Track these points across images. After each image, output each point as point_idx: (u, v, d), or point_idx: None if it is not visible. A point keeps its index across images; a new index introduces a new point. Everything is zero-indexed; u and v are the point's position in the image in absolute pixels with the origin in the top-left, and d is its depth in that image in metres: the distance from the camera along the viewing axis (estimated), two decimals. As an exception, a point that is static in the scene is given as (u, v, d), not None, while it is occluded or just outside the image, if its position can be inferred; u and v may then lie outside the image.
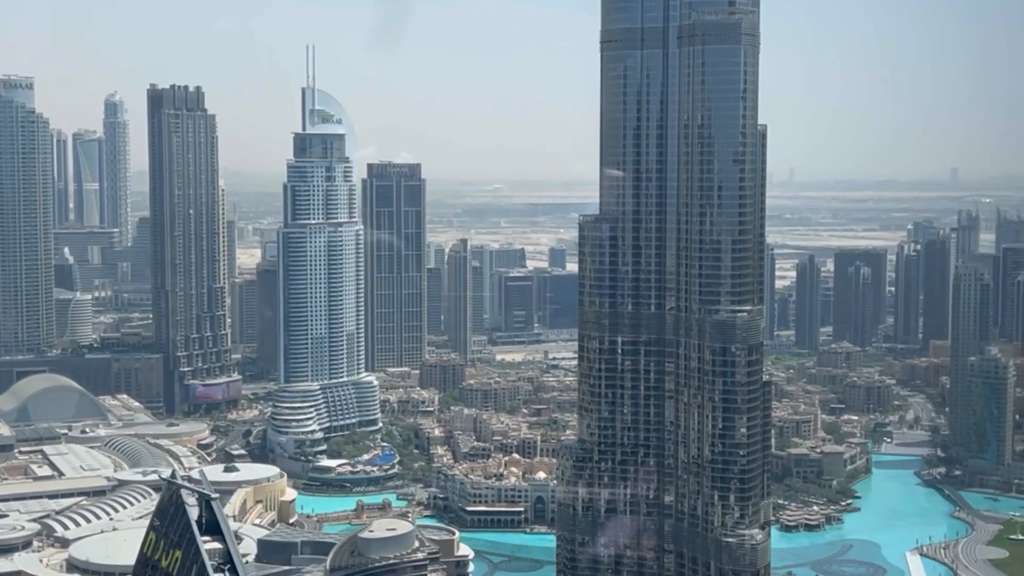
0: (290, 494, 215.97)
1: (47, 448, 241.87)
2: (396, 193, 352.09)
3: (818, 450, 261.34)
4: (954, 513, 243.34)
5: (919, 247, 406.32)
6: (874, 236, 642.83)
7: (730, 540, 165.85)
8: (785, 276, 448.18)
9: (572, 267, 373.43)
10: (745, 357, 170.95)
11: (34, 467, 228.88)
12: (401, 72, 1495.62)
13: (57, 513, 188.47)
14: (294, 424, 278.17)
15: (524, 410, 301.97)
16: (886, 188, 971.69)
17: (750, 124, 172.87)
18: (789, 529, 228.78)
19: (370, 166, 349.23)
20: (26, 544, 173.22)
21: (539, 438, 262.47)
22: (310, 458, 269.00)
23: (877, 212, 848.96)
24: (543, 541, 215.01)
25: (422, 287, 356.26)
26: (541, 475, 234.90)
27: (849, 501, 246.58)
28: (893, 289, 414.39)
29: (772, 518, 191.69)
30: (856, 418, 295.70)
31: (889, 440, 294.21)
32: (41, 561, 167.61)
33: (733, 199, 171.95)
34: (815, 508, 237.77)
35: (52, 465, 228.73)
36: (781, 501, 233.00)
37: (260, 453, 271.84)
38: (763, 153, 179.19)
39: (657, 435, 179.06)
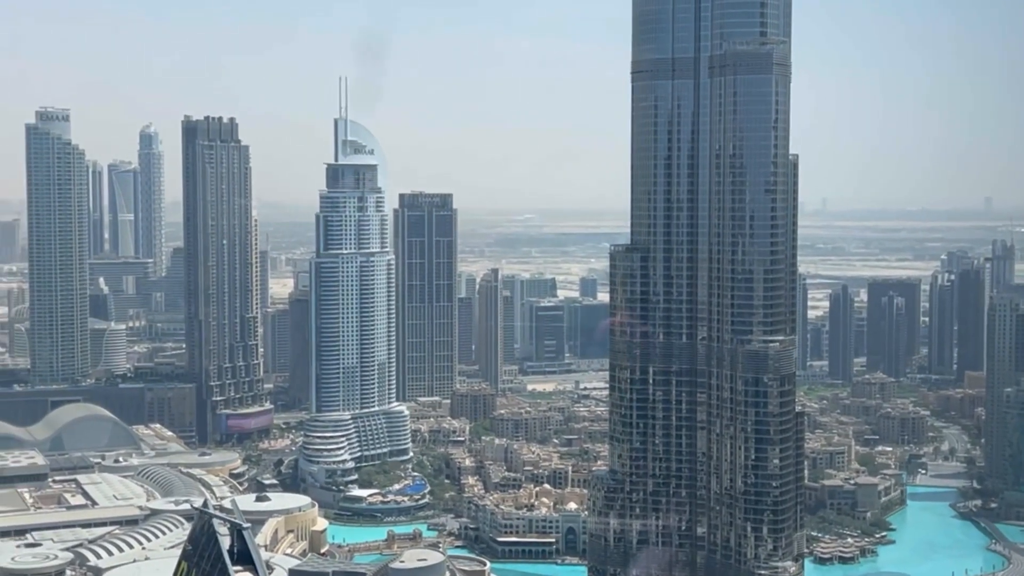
0: (321, 524, 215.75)
1: (80, 477, 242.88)
2: (428, 223, 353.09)
3: (852, 482, 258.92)
4: (990, 546, 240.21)
5: (953, 277, 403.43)
6: (908, 266, 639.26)
7: (763, 572, 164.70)
8: (818, 306, 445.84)
9: (603, 297, 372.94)
10: (777, 387, 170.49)
11: (67, 496, 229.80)
12: (433, 102, 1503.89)
13: (90, 542, 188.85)
14: (325, 453, 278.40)
15: (555, 440, 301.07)
16: (919, 218, 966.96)
17: (782, 153, 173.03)
18: (823, 561, 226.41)
19: (402, 196, 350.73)
20: (59, 573, 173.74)
21: (570, 468, 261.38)
22: (341, 488, 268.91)
23: (910, 242, 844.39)
24: (574, 572, 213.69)
25: (453, 317, 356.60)
26: (572, 506, 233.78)
27: (884, 533, 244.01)
28: (927, 319, 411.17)
29: (806, 550, 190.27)
30: (890, 449, 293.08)
31: (924, 472, 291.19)
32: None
33: (765, 229, 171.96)
34: (849, 540, 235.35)
35: (85, 494, 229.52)
36: (815, 533, 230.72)
37: (292, 482, 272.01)
38: (795, 182, 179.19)
39: (689, 466, 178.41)
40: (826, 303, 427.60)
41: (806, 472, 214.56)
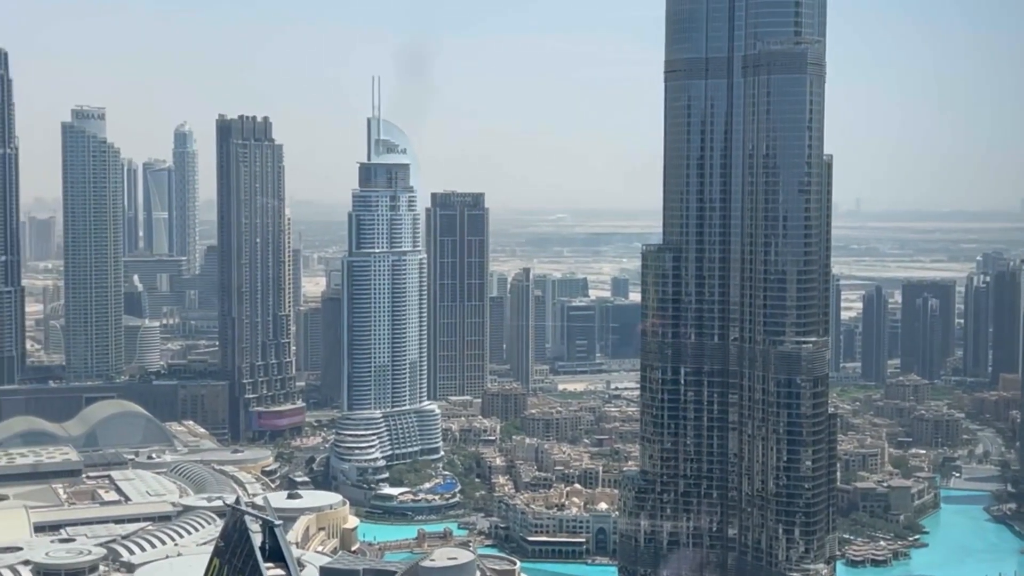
0: (352, 522, 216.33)
1: (114, 473, 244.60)
2: (460, 222, 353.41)
3: (885, 484, 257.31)
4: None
5: (988, 278, 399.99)
6: (942, 267, 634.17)
7: (795, 575, 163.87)
8: (851, 307, 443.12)
9: (635, 297, 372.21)
10: (810, 389, 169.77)
11: (101, 492, 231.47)
12: (465, 101, 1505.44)
13: (123, 538, 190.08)
14: (357, 452, 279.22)
15: (586, 440, 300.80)
16: (955, 219, 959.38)
17: (816, 154, 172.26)
18: (855, 564, 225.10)
19: (434, 195, 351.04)
20: (92, 568, 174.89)
21: (601, 468, 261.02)
22: (372, 486, 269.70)
23: (945, 243, 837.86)
24: (604, 572, 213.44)
25: (485, 316, 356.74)
26: (603, 506, 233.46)
27: (917, 536, 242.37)
28: (962, 321, 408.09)
29: (838, 553, 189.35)
30: (924, 452, 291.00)
31: (958, 475, 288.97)
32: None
33: (798, 229, 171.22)
34: (882, 543, 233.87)
35: (119, 490, 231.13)
36: (847, 535, 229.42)
37: (323, 480, 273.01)
38: (829, 183, 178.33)
39: (720, 467, 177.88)
40: (860, 304, 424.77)
41: (838, 474, 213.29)
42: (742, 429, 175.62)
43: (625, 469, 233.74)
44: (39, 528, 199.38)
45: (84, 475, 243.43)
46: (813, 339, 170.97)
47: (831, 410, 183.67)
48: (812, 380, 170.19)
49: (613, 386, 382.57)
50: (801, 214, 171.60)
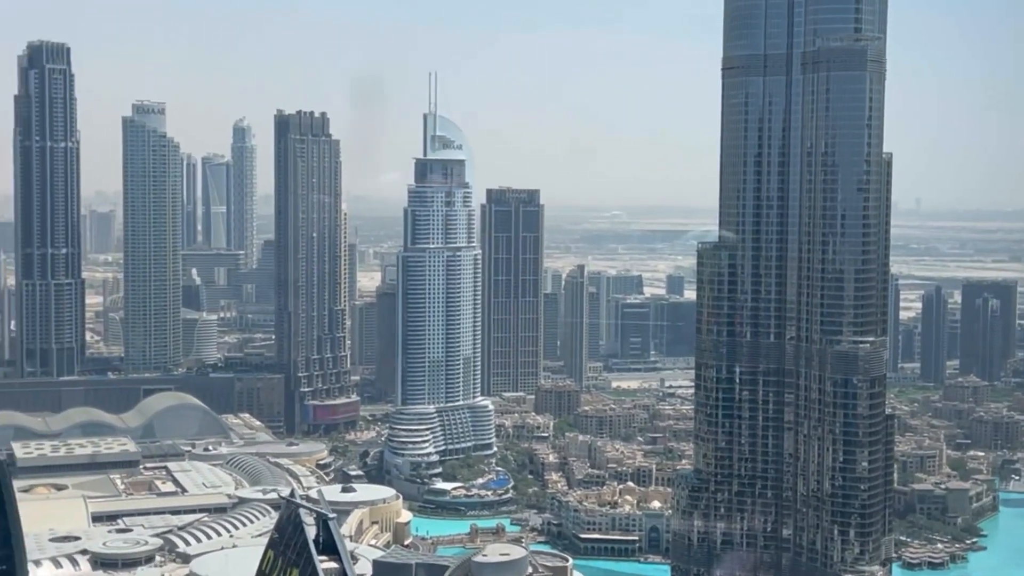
0: (405, 516, 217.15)
1: (171, 464, 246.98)
2: (514, 218, 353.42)
3: (943, 486, 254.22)
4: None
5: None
6: (1004, 267, 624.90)
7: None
8: (910, 307, 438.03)
9: (690, 295, 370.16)
10: (867, 389, 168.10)
11: (158, 483, 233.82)
12: (522, 98, 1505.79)
13: (179, 529, 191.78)
14: (410, 446, 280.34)
15: (639, 438, 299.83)
16: (1016, 218, 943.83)
17: (875, 152, 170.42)
18: (912, 567, 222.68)
19: (489, 191, 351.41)
20: (149, 559, 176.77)
21: (654, 467, 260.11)
22: (425, 480, 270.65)
23: (1007, 243, 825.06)
24: (657, 571, 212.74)
25: (539, 313, 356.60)
26: (656, 504, 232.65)
27: (975, 540, 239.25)
28: (1023, 323, 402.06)
29: (894, 555, 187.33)
30: (983, 454, 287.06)
31: (1017, 478, 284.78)
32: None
33: (856, 228, 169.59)
34: (939, 546, 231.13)
35: (175, 481, 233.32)
36: (903, 538, 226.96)
37: (377, 474, 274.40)
38: (888, 181, 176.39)
39: (775, 467, 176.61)
40: (919, 304, 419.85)
41: (895, 475, 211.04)
42: (798, 429, 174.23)
43: (679, 468, 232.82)
44: (97, 518, 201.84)
45: (142, 466, 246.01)
46: (871, 339, 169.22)
47: (888, 411, 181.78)
48: (869, 380, 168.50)
49: (667, 384, 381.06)
50: (859, 212, 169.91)
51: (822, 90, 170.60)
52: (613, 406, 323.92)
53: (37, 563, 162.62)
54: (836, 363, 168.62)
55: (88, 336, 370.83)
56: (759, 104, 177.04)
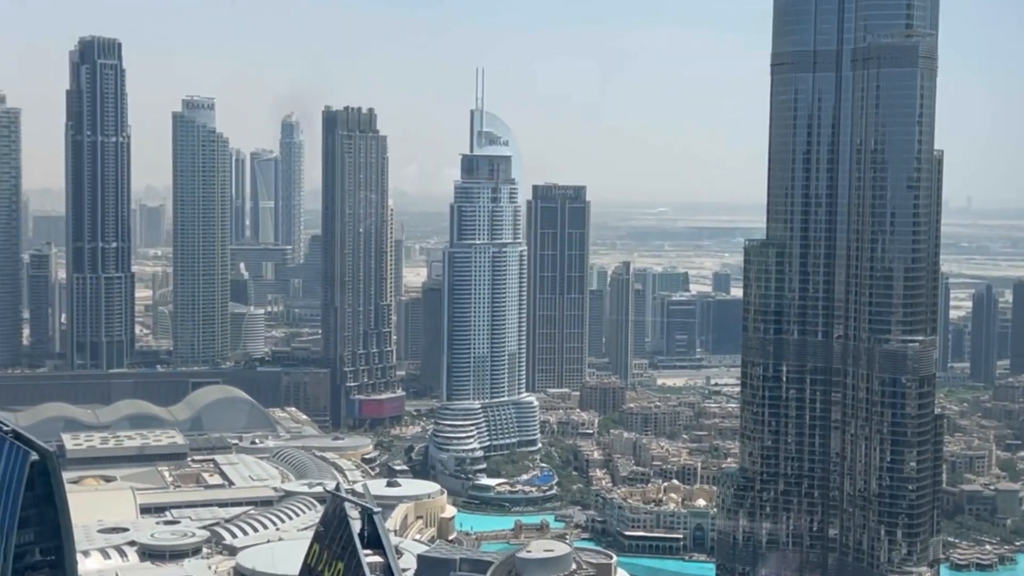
0: (450, 511, 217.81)
1: (218, 457, 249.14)
2: (560, 215, 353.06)
3: (992, 487, 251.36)
4: None
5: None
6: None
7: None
8: (960, 306, 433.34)
9: (736, 292, 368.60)
10: (916, 389, 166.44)
11: (206, 475, 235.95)
12: (569, 94, 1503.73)
13: (226, 521, 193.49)
14: (455, 441, 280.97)
15: (684, 436, 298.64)
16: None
17: (926, 149, 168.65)
18: (960, 568, 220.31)
19: (535, 187, 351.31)
20: (196, 550, 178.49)
21: (699, 465, 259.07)
22: (470, 476, 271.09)
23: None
24: (702, 570, 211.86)
25: (584, 309, 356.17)
26: (701, 503, 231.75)
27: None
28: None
29: (941, 556, 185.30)
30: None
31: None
32: (210, 568, 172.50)
33: (906, 226, 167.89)
34: (988, 547, 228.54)
35: (223, 474, 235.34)
36: (952, 539, 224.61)
37: (421, 469, 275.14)
38: (939, 179, 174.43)
39: (822, 466, 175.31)
40: (969, 303, 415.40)
41: (944, 476, 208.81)
42: (845, 428, 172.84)
43: (724, 466, 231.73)
44: (145, 509, 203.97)
45: (189, 458, 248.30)
46: (920, 338, 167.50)
47: (937, 411, 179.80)
48: (918, 380, 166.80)
49: (713, 382, 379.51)
50: (909, 210, 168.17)
51: (872, 87, 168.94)
52: (658, 403, 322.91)
53: (86, 554, 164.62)
54: (885, 362, 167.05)
55: (137, 329, 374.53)
56: (808, 100, 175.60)
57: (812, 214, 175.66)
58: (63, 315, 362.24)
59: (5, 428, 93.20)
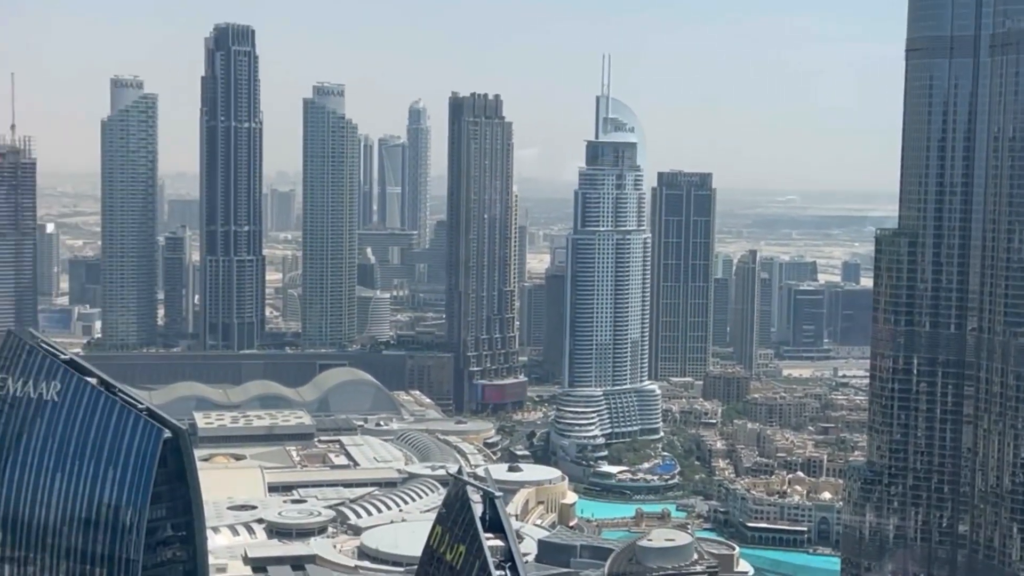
0: (571, 497, 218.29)
1: (344, 439, 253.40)
2: (686, 202, 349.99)
3: None
4: None
5: None
6: None
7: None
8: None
9: (866, 282, 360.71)
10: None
11: (332, 456, 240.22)
12: (695, 81, 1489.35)
13: (351, 501, 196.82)
14: (577, 428, 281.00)
15: (810, 427, 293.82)
16: None
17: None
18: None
19: (660, 175, 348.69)
20: (321, 529, 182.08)
21: (825, 457, 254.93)
22: (591, 463, 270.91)
23: None
24: (826, 563, 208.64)
25: (708, 297, 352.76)
26: (826, 495, 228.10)
27: None
28: None
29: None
30: None
31: None
32: (335, 547, 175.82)
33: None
34: None
35: (348, 455, 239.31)
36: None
37: (543, 455, 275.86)
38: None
39: (953, 461, 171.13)
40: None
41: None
42: (977, 423, 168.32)
43: (851, 459, 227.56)
44: (273, 488, 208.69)
45: (316, 439, 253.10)
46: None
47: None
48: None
49: (841, 373, 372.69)
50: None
51: (1011, 73, 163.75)
52: (784, 394, 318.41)
53: (215, 530, 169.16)
54: (1020, 356, 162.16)
55: (267, 311, 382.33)
56: (944, 87, 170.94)
57: (946, 203, 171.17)
58: (196, 297, 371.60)
59: (139, 406, 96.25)
